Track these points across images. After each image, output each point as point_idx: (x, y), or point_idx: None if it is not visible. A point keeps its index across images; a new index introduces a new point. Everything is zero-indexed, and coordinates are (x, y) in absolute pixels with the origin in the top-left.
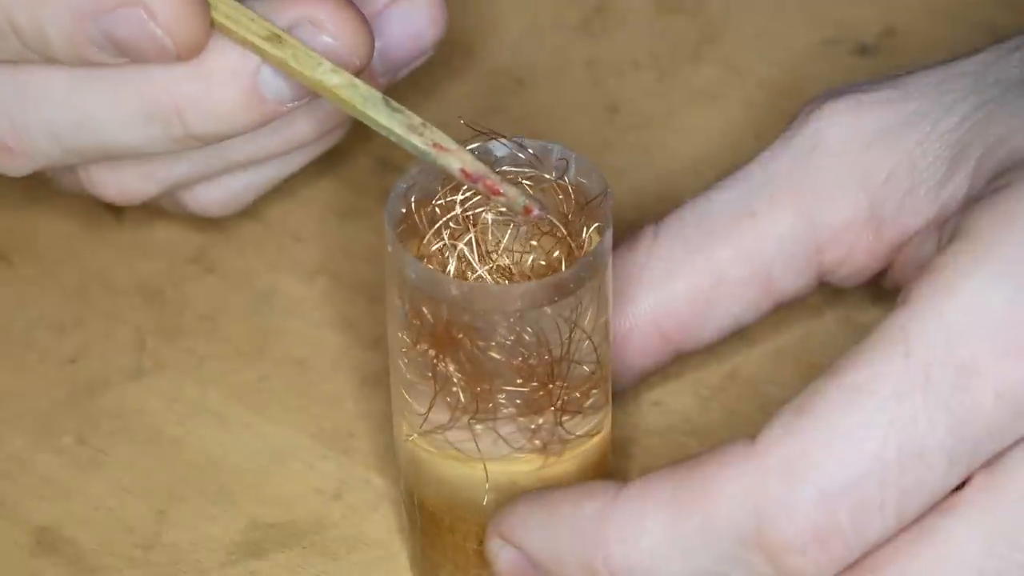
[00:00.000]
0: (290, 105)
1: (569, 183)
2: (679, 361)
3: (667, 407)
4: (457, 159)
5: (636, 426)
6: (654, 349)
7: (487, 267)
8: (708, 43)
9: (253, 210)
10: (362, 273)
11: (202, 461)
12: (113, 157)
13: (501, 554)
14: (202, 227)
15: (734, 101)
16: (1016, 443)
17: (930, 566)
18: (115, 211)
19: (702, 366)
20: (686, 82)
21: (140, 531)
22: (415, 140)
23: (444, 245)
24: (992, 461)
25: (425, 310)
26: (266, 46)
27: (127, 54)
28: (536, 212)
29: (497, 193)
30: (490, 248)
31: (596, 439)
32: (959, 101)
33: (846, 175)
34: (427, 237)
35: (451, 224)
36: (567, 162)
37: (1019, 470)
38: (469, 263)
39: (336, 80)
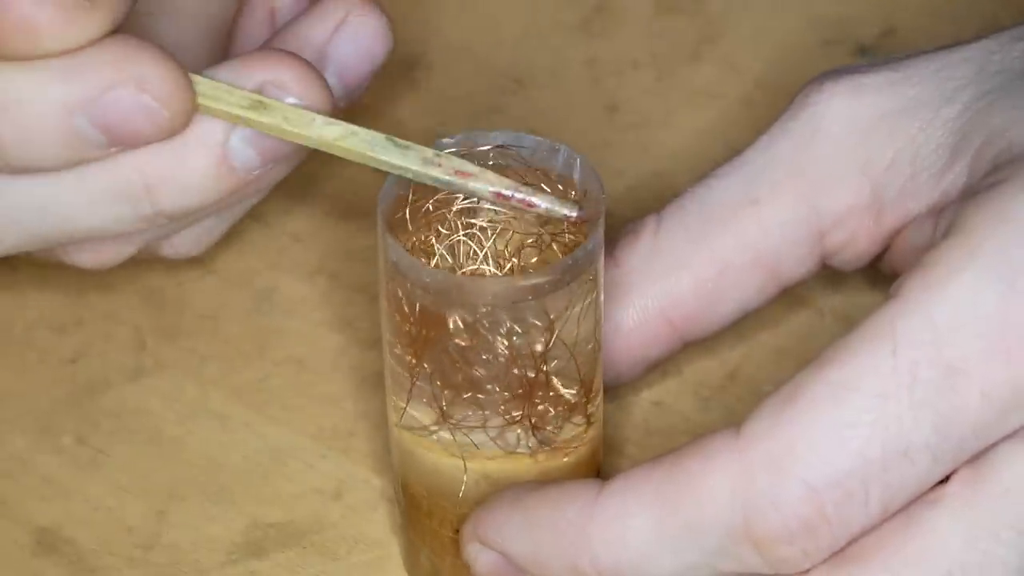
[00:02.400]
0: (256, 173)
1: (576, 183)
2: (680, 362)
3: (667, 407)
4: (485, 182)
5: (636, 426)
6: (662, 339)
7: (475, 264)
8: (707, 43)
9: (253, 210)
10: (361, 273)
11: (202, 461)
12: (77, 240)
13: (480, 558)
14: None
15: (733, 101)
16: (1002, 438)
17: (913, 558)
18: None
19: (702, 366)
20: (685, 82)
21: (140, 531)
22: (436, 173)
23: (433, 242)
24: (977, 456)
25: (404, 299)
26: (252, 115)
27: (118, 139)
28: (578, 214)
29: (533, 207)
30: (491, 247)
31: (581, 445)
32: (961, 89)
33: (848, 160)
34: (427, 231)
35: (442, 225)
36: (573, 165)
37: (1004, 465)
38: (457, 260)
39: (336, 132)
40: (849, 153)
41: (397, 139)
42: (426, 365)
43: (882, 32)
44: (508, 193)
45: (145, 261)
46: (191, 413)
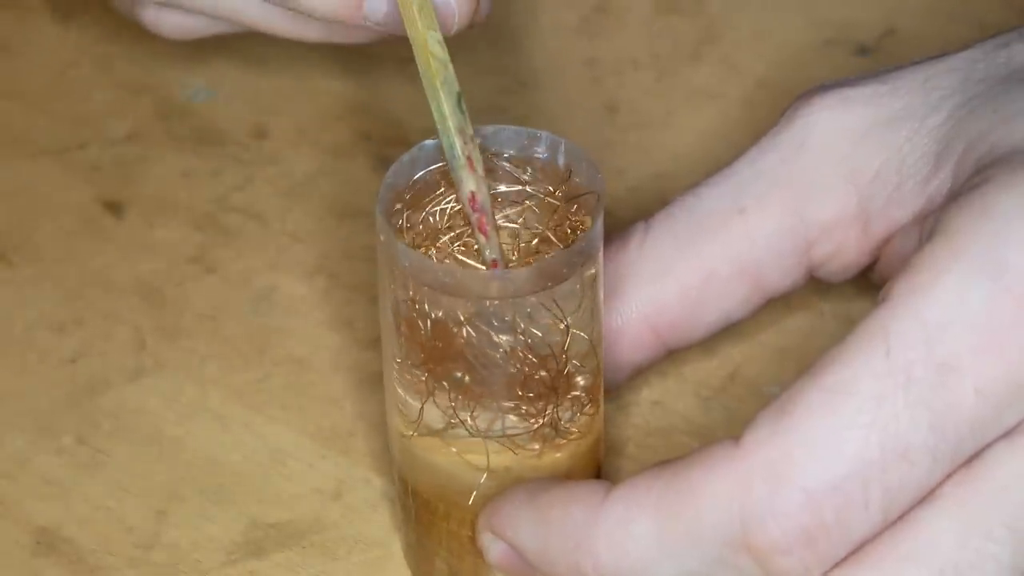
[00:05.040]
0: (376, 25)
1: (565, 171)
2: (680, 362)
3: (667, 407)
4: (474, 183)
5: (636, 426)
6: (645, 346)
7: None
8: (707, 43)
9: (253, 210)
10: (361, 273)
11: (202, 461)
12: None
13: (493, 547)
14: (202, 227)
15: (733, 101)
16: (997, 438)
17: (905, 557)
18: (115, 211)
19: (703, 367)
20: (685, 82)
21: (140, 531)
22: (456, 142)
23: (431, 242)
24: (973, 456)
25: (416, 300)
26: None
27: None
28: (497, 271)
29: (483, 232)
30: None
31: (589, 432)
32: (946, 98)
33: (834, 172)
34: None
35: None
36: (557, 151)
37: (997, 463)
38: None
39: (438, 51)
40: (836, 164)
41: (463, 99)
42: (450, 373)
43: (882, 32)
44: (479, 204)
45: (146, 258)
46: (191, 413)
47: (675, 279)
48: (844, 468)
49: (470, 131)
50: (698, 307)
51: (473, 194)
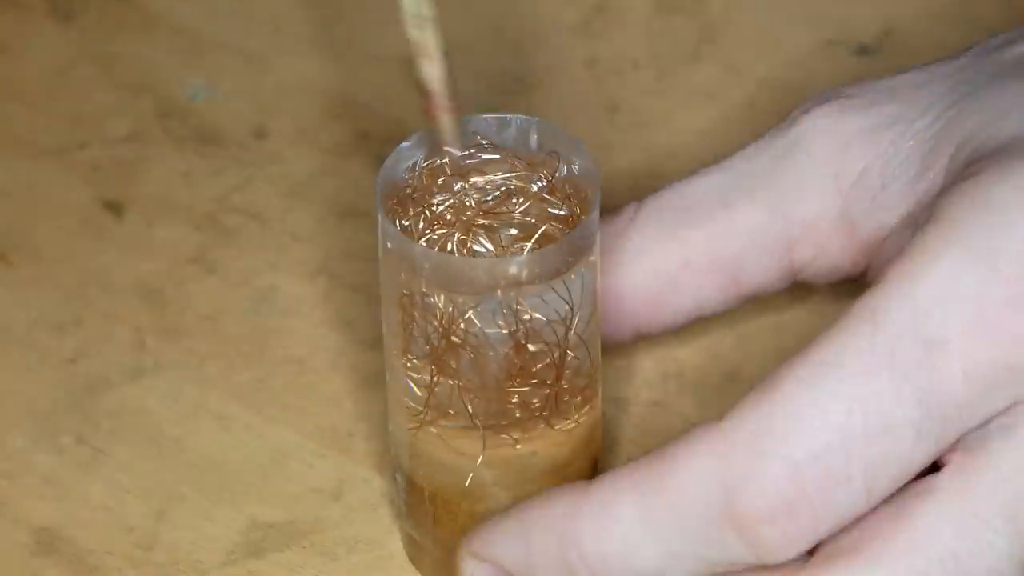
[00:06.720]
0: None
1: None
2: (680, 362)
3: (667, 407)
4: (427, 68)
5: (636, 426)
6: (612, 324)
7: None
8: (708, 43)
9: (253, 210)
10: (362, 273)
11: (202, 461)
12: None
13: (476, 573)
14: (202, 227)
15: (734, 101)
16: (995, 424)
17: (904, 548)
18: (115, 211)
19: (702, 366)
20: (686, 82)
21: (140, 531)
22: (412, 27)
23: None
24: (972, 443)
25: (418, 293)
26: None
27: None
28: (447, 152)
29: (430, 116)
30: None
31: (586, 420)
32: (935, 102)
33: (819, 172)
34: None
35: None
36: (528, 133)
37: (997, 453)
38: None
39: None
40: (821, 166)
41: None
42: (452, 363)
43: (882, 32)
44: (432, 90)
45: (146, 258)
46: (191, 413)
47: (651, 260)
48: (826, 439)
49: (430, 13)
50: (669, 292)
51: (420, 79)
